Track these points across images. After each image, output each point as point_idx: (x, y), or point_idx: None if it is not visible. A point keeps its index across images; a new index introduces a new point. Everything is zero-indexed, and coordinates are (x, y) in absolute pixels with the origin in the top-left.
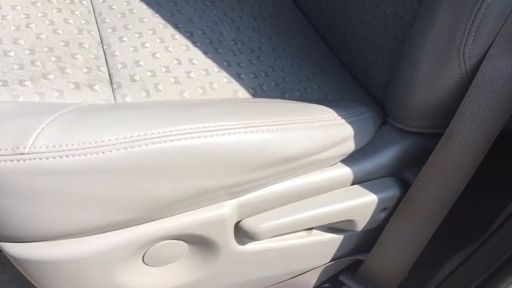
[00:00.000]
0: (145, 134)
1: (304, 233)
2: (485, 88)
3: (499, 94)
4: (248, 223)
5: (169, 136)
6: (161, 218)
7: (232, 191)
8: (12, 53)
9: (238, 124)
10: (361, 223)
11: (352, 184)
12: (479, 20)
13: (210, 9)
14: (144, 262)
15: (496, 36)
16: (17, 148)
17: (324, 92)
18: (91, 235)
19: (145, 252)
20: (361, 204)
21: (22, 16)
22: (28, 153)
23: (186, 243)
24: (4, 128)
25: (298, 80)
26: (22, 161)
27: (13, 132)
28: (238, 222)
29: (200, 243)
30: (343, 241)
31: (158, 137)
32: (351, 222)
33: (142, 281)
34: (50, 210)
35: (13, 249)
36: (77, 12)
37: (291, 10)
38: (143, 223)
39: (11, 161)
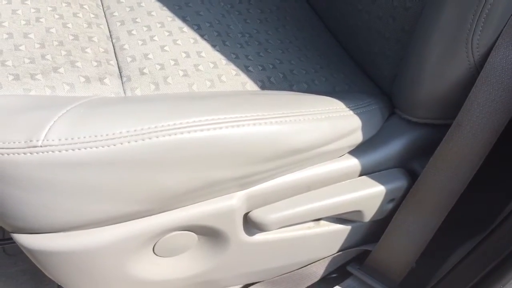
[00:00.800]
0: (155, 127)
1: (312, 223)
2: (493, 78)
3: (507, 84)
4: (257, 214)
5: (178, 128)
6: (171, 210)
7: (241, 183)
8: (23, 47)
9: (247, 116)
10: (368, 214)
11: (360, 175)
12: (487, 10)
13: (217, 1)
14: (154, 253)
15: (504, 26)
16: (30, 141)
17: (332, 83)
18: (103, 226)
19: (156, 243)
20: (369, 195)
21: (32, 10)
22: (41, 146)
23: (196, 234)
24: (17, 122)
25: (305, 72)
26: (35, 153)
27: (26, 125)
28: (247, 213)
29: (209, 234)
30: (351, 231)
31: (168, 130)
32: (358, 213)
33: (153, 271)
34: (63, 202)
35: (26, 240)
36: (85, 6)
37: (298, 1)
38: (153, 215)
39: (24, 153)
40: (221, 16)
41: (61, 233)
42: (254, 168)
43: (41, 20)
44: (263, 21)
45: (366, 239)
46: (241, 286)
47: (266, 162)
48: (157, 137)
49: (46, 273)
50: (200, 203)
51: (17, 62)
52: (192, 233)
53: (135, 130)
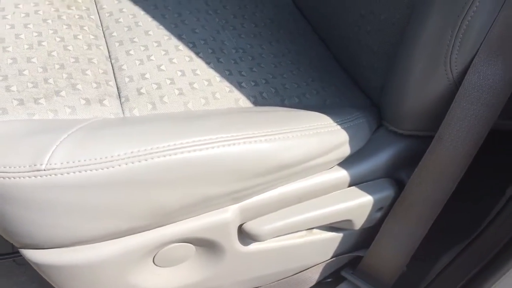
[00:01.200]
0: (151, 149)
1: (305, 232)
2: (471, 94)
3: (485, 100)
4: (251, 226)
5: (172, 149)
6: (169, 224)
7: (235, 197)
8: (26, 72)
9: (238, 135)
10: (358, 223)
11: (349, 186)
12: (463, 31)
13: (212, 17)
14: (154, 264)
15: (480, 46)
16: (34, 165)
17: (323, 96)
18: (104, 241)
19: (155, 254)
20: (358, 204)
21: (35, 34)
22: (44, 170)
23: (193, 245)
24: (22, 146)
25: (297, 86)
26: (39, 177)
27: (30, 150)
28: (241, 225)
29: (206, 245)
30: (343, 239)
31: (162, 151)
32: (349, 221)
33: (154, 281)
34: (66, 220)
35: (33, 255)
36: (85, 27)
37: (292, 13)
38: (152, 229)
39: (29, 177)
40: (216, 32)
41: (65, 248)
42: (246, 183)
43: (43, 43)
44: (257, 35)
45: (358, 246)
46: None
47: (257, 178)
48: (152, 158)
49: (53, 285)
50: (196, 217)
51: (21, 87)
52: (190, 244)
53: (131, 152)
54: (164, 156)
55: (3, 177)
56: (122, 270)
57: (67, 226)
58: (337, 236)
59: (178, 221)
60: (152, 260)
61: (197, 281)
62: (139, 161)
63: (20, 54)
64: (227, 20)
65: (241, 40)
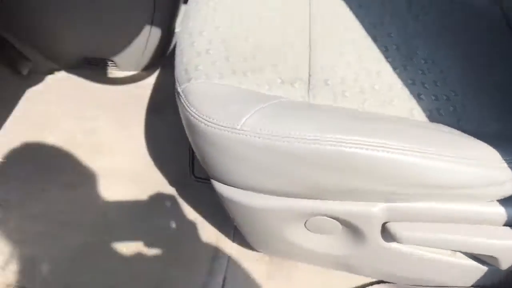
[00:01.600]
0: (320, 136)
1: (449, 252)
2: None
3: None
4: (394, 227)
5: (344, 142)
6: (322, 199)
7: (386, 197)
8: (241, 48)
9: (404, 146)
10: (506, 264)
11: (504, 225)
12: None
13: (411, 24)
14: (305, 227)
15: None
16: (233, 124)
17: (505, 126)
18: (269, 195)
19: (307, 220)
20: (508, 246)
21: (256, 19)
22: (239, 129)
23: (340, 223)
24: (229, 107)
25: (479, 110)
26: (234, 134)
27: (234, 112)
28: (386, 222)
29: (351, 228)
30: (487, 273)
31: (335, 142)
32: (495, 259)
33: (303, 240)
34: (244, 170)
35: (218, 186)
36: (296, 16)
37: (501, 29)
38: (306, 199)
39: (227, 131)
40: (410, 38)
41: (241, 190)
42: (398, 189)
43: (261, 26)
44: (453, 47)
45: (503, 285)
46: (375, 280)
47: (408, 188)
48: (320, 144)
49: (228, 213)
50: (347, 202)
51: (236, 59)
52: (337, 222)
53: (304, 135)
54: (334, 146)
55: (211, 126)
56: (278, 222)
57: (245, 174)
58: (481, 269)
59: (330, 200)
60: (304, 224)
61: (338, 255)
62: (308, 144)
63: (240, 34)
64: (425, 27)
65: (434, 51)
